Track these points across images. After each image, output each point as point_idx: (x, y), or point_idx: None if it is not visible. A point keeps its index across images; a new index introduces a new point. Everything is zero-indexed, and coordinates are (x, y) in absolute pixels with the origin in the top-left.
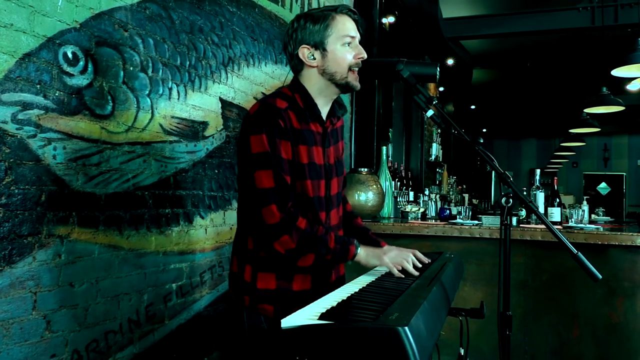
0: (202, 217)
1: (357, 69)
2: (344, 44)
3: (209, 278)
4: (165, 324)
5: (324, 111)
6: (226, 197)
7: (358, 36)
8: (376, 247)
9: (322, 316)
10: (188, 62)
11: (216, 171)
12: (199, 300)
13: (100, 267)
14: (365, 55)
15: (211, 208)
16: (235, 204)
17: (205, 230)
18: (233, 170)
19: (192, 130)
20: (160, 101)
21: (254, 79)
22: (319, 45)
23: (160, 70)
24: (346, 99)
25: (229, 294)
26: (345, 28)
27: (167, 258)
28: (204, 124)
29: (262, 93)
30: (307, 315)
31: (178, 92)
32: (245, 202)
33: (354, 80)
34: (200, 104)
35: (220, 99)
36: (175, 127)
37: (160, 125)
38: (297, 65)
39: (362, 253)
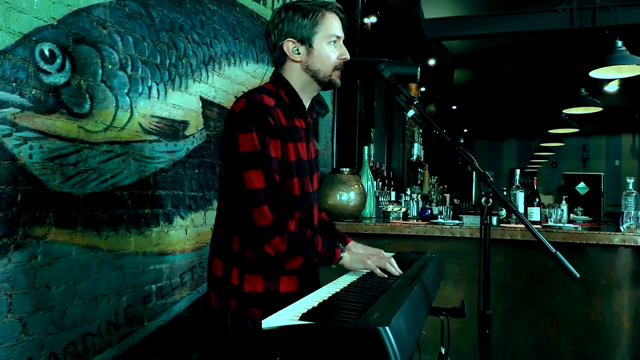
0: (183, 218)
1: (340, 68)
2: (330, 43)
3: (189, 279)
4: (144, 325)
5: (306, 107)
6: (207, 197)
7: (343, 36)
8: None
9: (303, 316)
10: (168, 61)
11: (197, 171)
12: (179, 301)
13: (78, 269)
14: (348, 57)
15: (191, 208)
16: (216, 205)
17: (186, 230)
18: (214, 170)
19: (172, 129)
20: (140, 100)
21: (235, 78)
22: (306, 41)
23: (140, 69)
24: (328, 98)
25: (208, 298)
26: (333, 27)
27: (146, 259)
28: (184, 123)
29: (243, 92)
30: (288, 315)
31: (158, 90)
32: (231, 203)
33: (336, 78)
34: (181, 103)
35: (201, 98)
36: (155, 126)
37: (140, 125)
38: (280, 58)
39: (347, 257)
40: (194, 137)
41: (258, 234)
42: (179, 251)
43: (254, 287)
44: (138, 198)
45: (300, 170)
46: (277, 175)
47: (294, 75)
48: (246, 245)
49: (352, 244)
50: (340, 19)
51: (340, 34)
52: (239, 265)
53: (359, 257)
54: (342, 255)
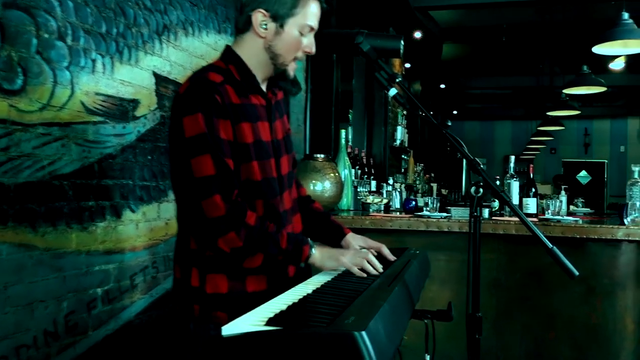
0: (133, 211)
1: (299, 60)
2: (302, 32)
3: (140, 281)
4: (88, 335)
5: (263, 84)
6: (161, 187)
7: (317, 29)
8: (338, 234)
9: (270, 321)
10: (115, 30)
11: (149, 157)
12: (129, 307)
13: (10, 271)
14: (314, 51)
15: (143, 200)
16: (171, 195)
17: (137, 225)
18: (169, 156)
19: (121, 109)
20: (82, 75)
21: (193, 51)
22: (278, 19)
23: (82, 39)
24: (300, 75)
25: (164, 299)
26: (311, 16)
27: (90, 259)
28: (135, 102)
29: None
30: (253, 320)
31: (103, 64)
32: (182, 196)
33: (292, 69)
34: (130, 78)
35: (154, 73)
36: (100, 105)
37: (82, 103)
38: (243, 25)
39: (317, 254)
40: (145, 118)
41: (210, 227)
42: (129, 249)
43: (217, 288)
44: (81, 188)
45: (261, 153)
46: (230, 159)
47: (252, 50)
48: (200, 241)
49: (350, 236)
50: (322, 8)
51: (315, 25)
52: (199, 265)
53: (332, 254)
54: (311, 252)
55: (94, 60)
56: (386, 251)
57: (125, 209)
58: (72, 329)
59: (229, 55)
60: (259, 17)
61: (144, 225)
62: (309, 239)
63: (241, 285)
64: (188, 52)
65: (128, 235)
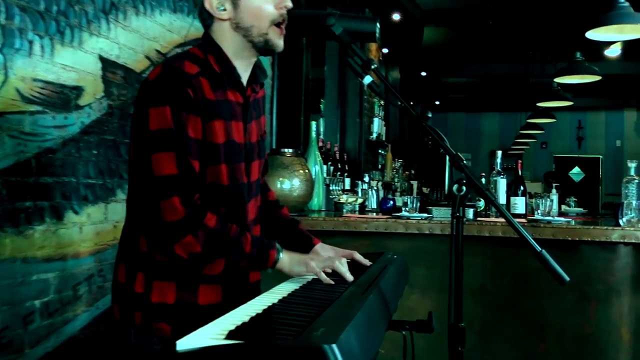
0: (76, 212)
1: (282, 23)
2: None
3: (85, 291)
4: (25, 353)
5: (244, 77)
6: (108, 185)
7: None
8: (306, 244)
9: (231, 334)
10: (55, 7)
11: (95, 152)
12: (72, 320)
13: None
14: (290, 4)
15: (88, 200)
16: (120, 195)
17: (81, 229)
18: (118, 150)
19: (62, 97)
20: (17, 58)
21: (145, 32)
22: None
23: (17, 17)
24: (266, 61)
25: (112, 311)
26: None
27: (27, 266)
28: (78, 90)
29: (157, 50)
30: (211, 334)
31: (42, 46)
32: (138, 192)
33: (276, 38)
34: (73, 63)
35: (101, 57)
36: (39, 93)
37: (17, 91)
38: (207, 18)
39: (285, 259)
40: (91, 107)
41: (167, 231)
42: (72, 256)
43: (164, 297)
44: (15, 187)
45: (231, 156)
46: (195, 160)
47: (225, 38)
48: (154, 244)
49: (319, 247)
50: None
51: None
52: (146, 270)
53: (302, 260)
54: (278, 256)
55: (30, 42)
56: (359, 257)
57: (68, 211)
58: (6, 346)
59: (208, 43)
60: (212, 2)
61: (89, 229)
62: (276, 242)
63: (192, 296)
64: (139, 33)
65: (71, 239)
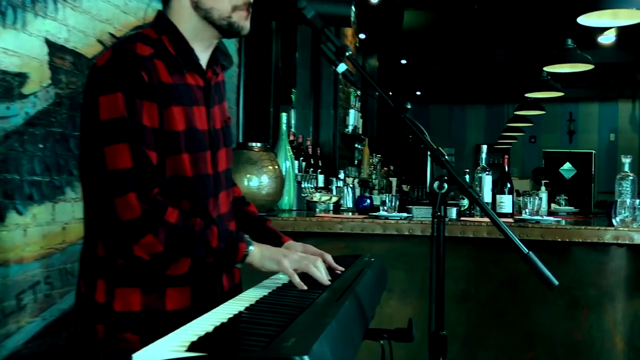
0: (20, 213)
1: (246, 4)
2: None
3: (30, 301)
4: None
5: (203, 59)
6: (56, 182)
7: None
8: (275, 243)
9: (193, 346)
10: None
11: (41, 146)
12: (15, 333)
13: None
14: None
15: (33, 199)
16: (70, 193)
17: (25, 231)
18: (67, 144)
19: (3, 85)
20: None
21: (97, 13)
22: None
23: None
24: (232, 46)
25: (61, 323)
26: None
27: None
28: (22, 77)
29: (110, 34)
30: (171, 345)
31: None
32: (91, 191)
33: (241, 20)
34: (16, 47)
35: (47, 41)
36: None
37: None
38: None
39: (256, 252)
40: (36, 96)
41: (124, 231)
42: (15, 261)
43: (128, 304)
44: None
45: (194, 144)
46: (152, 151)
47: (183, 17)
48: (111, 247)
49: (289, 245)
50: None
51: None
52: (107, 276)
53: (274, 255)
54: (248, 250)
55: None
56: (329, 259)
57: (10, 211)
58: None
59: (161, 23)
60: None
61: (34, 231)
62: (246, 235)
63: (158, 301)
64: (90, 14)
65: (13, 243)
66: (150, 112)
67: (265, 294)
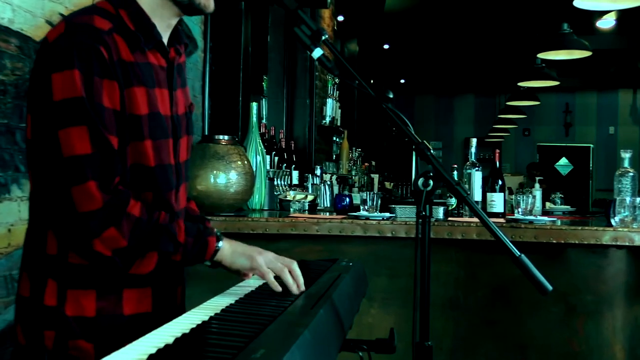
0: None
1: None
2: None
3: None
4: None
5: (164, 37)
6: (1, 180)
7: None
8: None
9: (151, 359)
10: None
11: None
12: None
13: None
14: None
15: None
16: (16, 191)
17: None
18: (12, 137)
19: None
20: None
21: None
22: None
23: None
24: (196, 28)
25: (5, 335)
26: None
27: None
28: None
29: (61, 14)
30: (128, 358)
31: None
32: (42, 181)
33: None
34: None
35: None
36: None
37: None
38: None
39: (227, 248)
40: None
41: (82, 224)
42: None
43: (82, 309)
44: None
45: (157, 130)
46: (113, 135)
47: None
48: (67, 243)
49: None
50: None
51: None
52: (57, 277)
53: (246, 251)
54: (218, 245)
55: None
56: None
57: None
58: None
59: None
60: None
61: None
62: (215, 228)
63: (116, 305)
64: None
65: None
66: (111, 91)
67: (232, 301)
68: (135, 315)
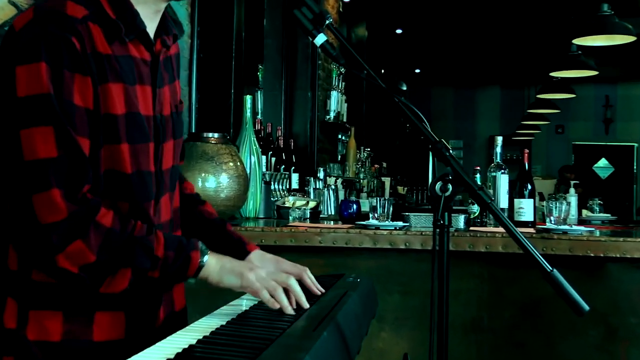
0: None
1: None
2: None
3: None
4: None
5: (150, 27)
6: None
7: None
8: (238, 251)
9: None
10: None
11: None
12: None
13: None
14: None
15: None
16: None
17: None
18: None
19: None
20: None
21: None
22: None
23: None
24: (182, 12)
25: None
26: None
27: None
28: None
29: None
30: None
31: None
32: (3, 187)
33: None
34: None
35: None
36: None
37: None
38: None
39: (213, 264)
40: None
41: (43, 237)
42: None
43: (46, 332)
44: None
45: (135, 132)
46: (84, 137)
47: None
48: (29, 258)
49: (256, 255)
50: None
51: None
52: (18, 296)
53: (235, 267)
54: (203, 260)
55: None
56: (309, 279)
57: None
58: None
59: None
60: None
61: None
62: (200, 241)
63: (84, 329)
64: None
65: None
66: (83, 88)
67: (223, 323)
68: (106, 342)
